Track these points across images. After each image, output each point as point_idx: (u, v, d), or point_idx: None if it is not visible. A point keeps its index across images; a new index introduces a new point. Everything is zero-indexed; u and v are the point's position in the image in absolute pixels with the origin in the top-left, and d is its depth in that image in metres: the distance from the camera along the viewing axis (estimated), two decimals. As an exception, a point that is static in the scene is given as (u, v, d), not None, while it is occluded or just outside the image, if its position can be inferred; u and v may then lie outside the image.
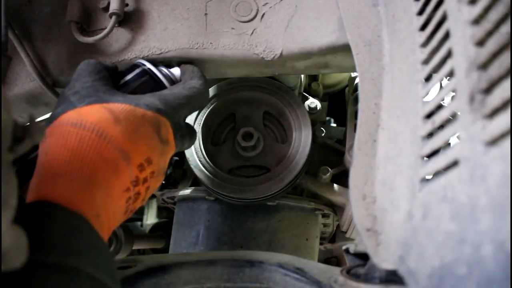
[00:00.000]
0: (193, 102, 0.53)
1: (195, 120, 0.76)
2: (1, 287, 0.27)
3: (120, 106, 0.45)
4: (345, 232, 0.85)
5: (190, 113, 0.55)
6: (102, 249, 0.36)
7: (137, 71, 0.55)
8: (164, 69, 0.57)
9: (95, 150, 0.40)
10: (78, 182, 0.38)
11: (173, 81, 0.57)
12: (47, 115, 0.73)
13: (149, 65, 0.56)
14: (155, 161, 0.46)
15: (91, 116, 0.42)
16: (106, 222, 0.40)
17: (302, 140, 0.73)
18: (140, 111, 0.45)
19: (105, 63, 0.53)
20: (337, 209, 0.84)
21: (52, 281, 0.30)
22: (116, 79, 0.54)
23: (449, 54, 0.31)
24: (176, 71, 0.59)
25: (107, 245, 0.39)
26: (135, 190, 0.44)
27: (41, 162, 0.40)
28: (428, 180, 0.32)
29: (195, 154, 0.74)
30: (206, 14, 0.60)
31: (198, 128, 0.76)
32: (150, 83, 0.55)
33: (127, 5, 0.60)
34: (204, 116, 0.76)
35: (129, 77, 0.54)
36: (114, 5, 0.57)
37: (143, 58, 0.59)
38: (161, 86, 0.55)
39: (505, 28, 0.24)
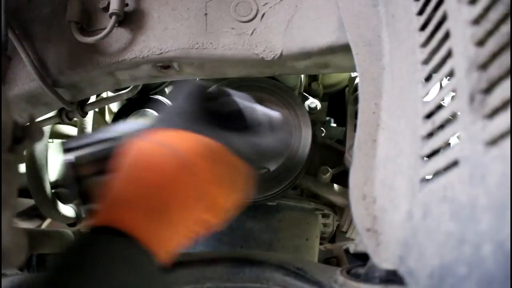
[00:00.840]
0: (278, 156, 0.51)
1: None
2: None
3: (215, 144, 0.43)
4: (345, 232, 0.85)
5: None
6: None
7: (233, 102, 0.51)
8: (262, 109, 0.52)
9: (179, 183, 0.38)
10: (152, 211, 0.37)
11: (268, 124, 0.51)
12: (47, 115, 0.73)
13: (244, 102, 0.51)
14: (225, 206, 0.44)
15: (187, 144, 0.41)
16: (164, 255, 0.39)
17: (302, 140, 0.73)
18: (230, 155, 0.43)
19: (209, 88, 0.50)
20: (337, 209, 0.84)
21: None
22: (212, 105, 0.50)
23: (449, 54, 0.31)
24: (273, 113, 0.53)
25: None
26: (195, 228, 0.43)
27: (125, 177, 0.39)
28: (428, 180, 0.32)
29: (195, 154, 0.74)
30: (206, 14, 0.60)
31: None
32: (243, 119, 0.50)
33: (127, 5, 0.60)
34: (204, 116, 0.76)
35: (224, 106, 0.50)
36: (114, 5, 0.57)
37: (143, 58, 0.59)
38: (252, 124, 0.50)
39: (505, 28, 0.24)
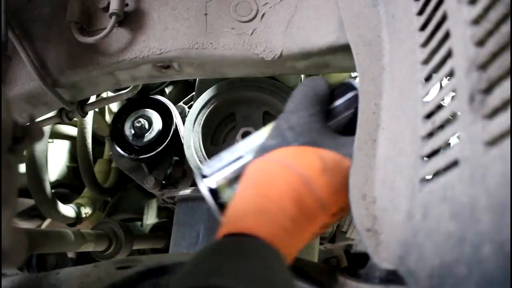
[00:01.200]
0: None
1: (195, 119, 0.76)
2: None
3: (330, 154, 0.44)
4: (345, 232, 0.85)
5: None
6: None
7: (349, 96, 0.50)
8: None
9: (298, 198, 0.41)
10: (279, 224, 0.40)
11: None
12: (47, 115, 0.73)
13: None
14: (347, 209, 0.45)
15: (303, 160, 0.43)
16: (289, 258, 0.41)
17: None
18: (347, 163, 0.44)
19: (323, 89, 0.49)
20: (337, 209, 0.84)
21: None
22: (333, 104, 0.50)
23: (449, 54, 0.31)
24: None
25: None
26: (317, 232, 0.45)
27: (250, 194, 0.42)
28: (428, 180, 0.32)
29: (195, 154, 0.74)
30: (206, 14, 0.60)
31: (198, 128, 0.76)
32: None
33: (127, 5, 0.60)
34: (204, 116, 0.76)
35: (339, 102, 0.50)
36: (114, 5, 0.57)
37: (143, 58, 0.59)
38: None
39: (505, 28, 0.24)
